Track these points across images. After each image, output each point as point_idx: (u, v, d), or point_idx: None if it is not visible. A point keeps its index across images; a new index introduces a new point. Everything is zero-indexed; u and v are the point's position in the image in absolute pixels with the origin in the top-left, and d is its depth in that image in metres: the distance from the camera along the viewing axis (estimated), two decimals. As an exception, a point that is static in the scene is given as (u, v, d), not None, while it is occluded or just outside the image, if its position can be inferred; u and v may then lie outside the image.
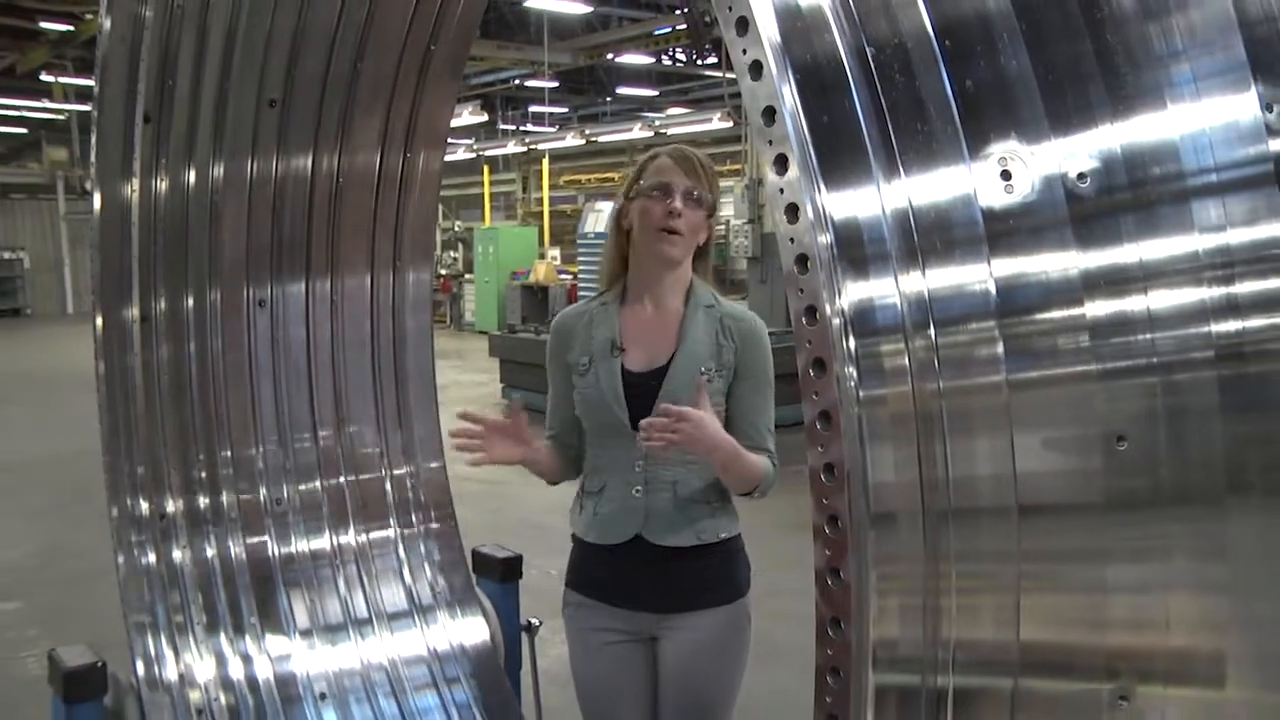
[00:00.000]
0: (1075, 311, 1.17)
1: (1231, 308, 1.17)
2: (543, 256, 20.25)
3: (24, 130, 31.04)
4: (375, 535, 3.53)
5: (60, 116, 25.95)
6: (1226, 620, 1.20)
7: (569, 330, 2.51)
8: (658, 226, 2.32)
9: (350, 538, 3.49)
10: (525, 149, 23.10)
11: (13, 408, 12.74)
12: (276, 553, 3.40)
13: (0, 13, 18.04)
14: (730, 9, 1.19)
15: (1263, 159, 1.18)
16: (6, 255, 25.83)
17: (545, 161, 24.82)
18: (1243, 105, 1.20)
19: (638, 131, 19.54)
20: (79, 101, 22.14)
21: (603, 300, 2.49)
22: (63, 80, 22.47)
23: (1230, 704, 1.22)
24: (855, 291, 1.16)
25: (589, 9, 18.46)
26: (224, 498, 3.36)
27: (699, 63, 20.67)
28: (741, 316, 2.44)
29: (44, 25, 18.95)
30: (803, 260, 1.17)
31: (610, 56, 20.98)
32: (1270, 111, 1.19)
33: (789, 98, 1.16)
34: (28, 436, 10.80)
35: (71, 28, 18.42)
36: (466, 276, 21.58)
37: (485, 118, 22.03)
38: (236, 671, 3.23)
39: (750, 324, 2.43)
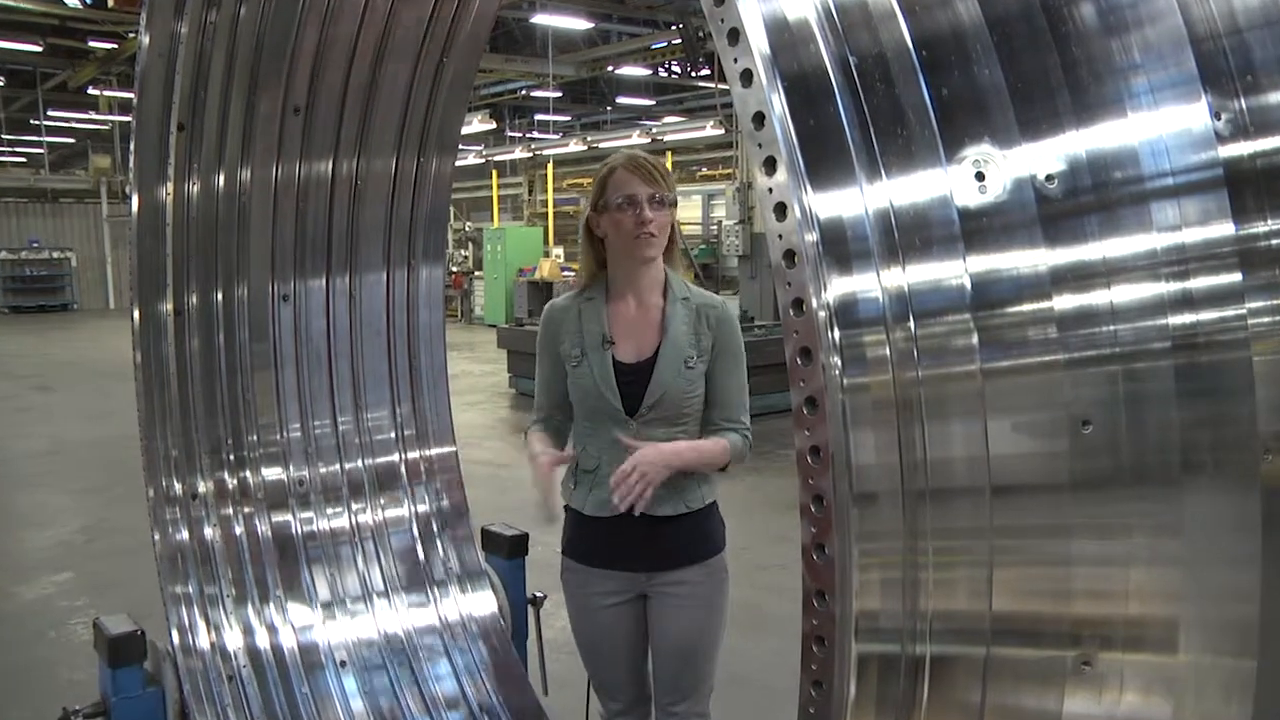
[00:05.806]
0: (1044, 305, 1.17)
1: (1186, 302, 1.17)
2: (547, 255, 20.22)
3: (73, 140, 31.11)
4: (391, 514, 3.53)
5: (105, 127, 25.98)
6: (1180, 591, 1.20)
7: (558, 322, 2.56)
8: (633, 235, 2.40)
9: (368, 516, 3.50)
10: (531, 155, 23.07)
11: (59, 395, 12.73)
12: (299, 530, 3.40)
13: (56, 34, 18.14)
14: (722, 21, 1.18)
15: (1213, 164, 1.18)
16: (56, 255, 26.03)
17: (550, 166, 24.79)
18: (1194, 114, 1.19)
19: (636, 138, 19.50)
20: (122, 113, 22.11)
21: (588, 296, 2.54)
22: (107, 93, 22.46)
23: (1181, 667, 1.22)
24: (839, 285, 1.15)
25: (590, 25, 18.45)
26: (251, 479, 3.36)
27: (693, 75, 20.60)
28: (714, 304, 2.53)
29: (92, 44, 18.97)
30: (790, 256, 1.16)
31: (610, 69, 20.96)
32: (1219, 120, 1.19)
33: (777, 104, 1.15)
34: (72, 422, 10.78)
35: (116, 45, 18.43)
36: (476, 273, 21.55)
37: (494, 125, 22.04)
38: (263, 640, 3.23)
39: (722, 310, 2.52)
